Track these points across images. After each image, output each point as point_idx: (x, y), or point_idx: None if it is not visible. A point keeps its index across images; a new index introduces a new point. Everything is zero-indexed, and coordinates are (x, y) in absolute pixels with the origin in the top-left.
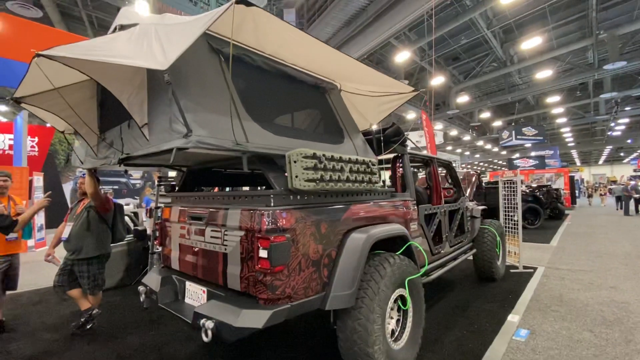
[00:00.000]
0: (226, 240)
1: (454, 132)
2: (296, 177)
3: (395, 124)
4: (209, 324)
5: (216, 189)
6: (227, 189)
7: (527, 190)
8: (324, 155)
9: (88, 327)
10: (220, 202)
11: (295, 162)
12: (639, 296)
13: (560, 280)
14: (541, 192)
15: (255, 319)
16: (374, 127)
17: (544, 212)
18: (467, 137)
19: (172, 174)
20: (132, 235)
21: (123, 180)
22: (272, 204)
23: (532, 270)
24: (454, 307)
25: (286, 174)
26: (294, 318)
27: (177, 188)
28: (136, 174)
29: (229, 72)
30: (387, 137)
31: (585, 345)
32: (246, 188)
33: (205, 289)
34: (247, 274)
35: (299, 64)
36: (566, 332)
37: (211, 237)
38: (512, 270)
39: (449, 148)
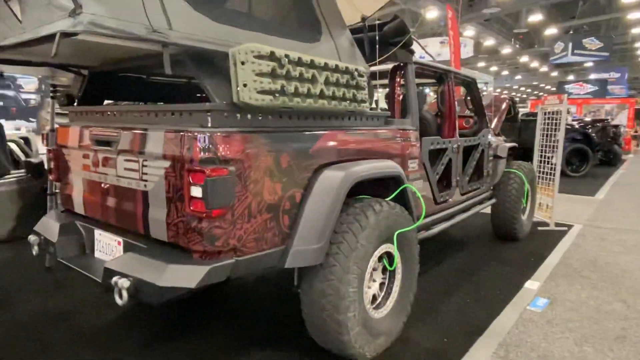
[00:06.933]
0: (146, 173)
1: (489, 42)
2: (244, 86)
3: (398, 17)
4: (124, 283)
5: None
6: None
7: (577, 126)
8: (287, 56)
9: None
10: (138, 120)
11: (243, 63)
12: None
13: (598, 241)
14: (595, 129)
15: (186, 276)
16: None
17: (595, 155)
18: (507, 50)
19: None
20: (23, 170)
21: (10, 93)
22: (209, 124)
23: (565, 228)
24: (459, 271)
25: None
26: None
27: (76, 100)
28: (29, 83)
29: None
30: (386, 37)
31: (614, 317)
32: None
33: (120, 239)
34: (176, 219)
35: None
36: (594, 302)
37: (125, 169)
38: (540, 228)
39: (481, 65)
